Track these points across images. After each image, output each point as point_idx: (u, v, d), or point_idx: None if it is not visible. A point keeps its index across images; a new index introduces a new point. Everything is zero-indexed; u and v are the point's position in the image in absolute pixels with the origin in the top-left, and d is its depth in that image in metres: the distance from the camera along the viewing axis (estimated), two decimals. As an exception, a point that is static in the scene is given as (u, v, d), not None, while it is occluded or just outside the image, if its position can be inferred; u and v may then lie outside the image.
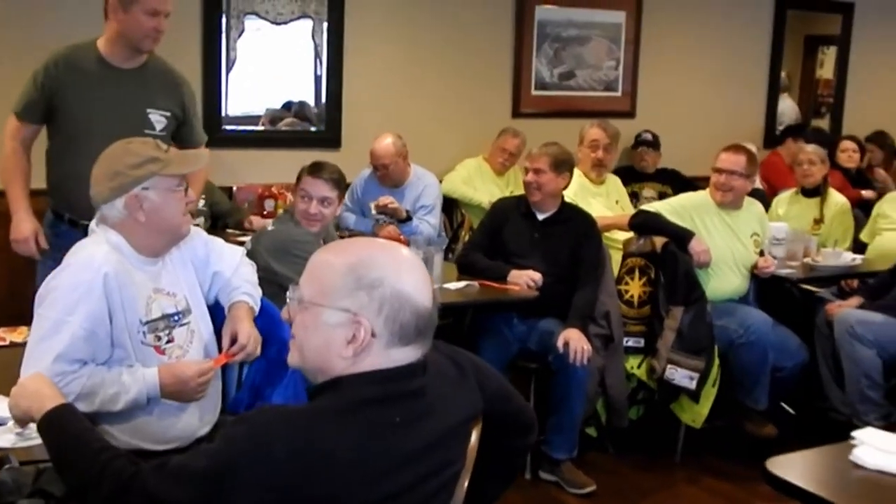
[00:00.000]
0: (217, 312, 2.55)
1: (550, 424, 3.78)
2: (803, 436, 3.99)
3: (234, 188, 5.13)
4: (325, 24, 5.34)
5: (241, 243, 3.23)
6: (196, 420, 2.39)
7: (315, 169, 3.46)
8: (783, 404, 4.44)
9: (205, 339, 2.45)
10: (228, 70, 5.15)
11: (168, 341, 2.34)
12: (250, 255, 2.91)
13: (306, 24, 5.36)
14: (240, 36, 5.17)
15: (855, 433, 2.21)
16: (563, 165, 3.97)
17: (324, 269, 1.56)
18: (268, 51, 5.35)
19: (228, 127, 5.20)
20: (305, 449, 1.42)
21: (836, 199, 5.17)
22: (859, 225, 5.23)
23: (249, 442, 1.43)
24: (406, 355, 1.53)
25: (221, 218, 4.87)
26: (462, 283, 3.81)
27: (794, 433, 4.20)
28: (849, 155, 6.31)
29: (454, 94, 5.75)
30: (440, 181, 5.12)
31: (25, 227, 3.30)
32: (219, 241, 2.68)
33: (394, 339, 1.51)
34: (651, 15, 6.27)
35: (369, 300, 1.49)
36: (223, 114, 5.16)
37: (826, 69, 7.70)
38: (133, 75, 3.32)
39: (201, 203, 4.54)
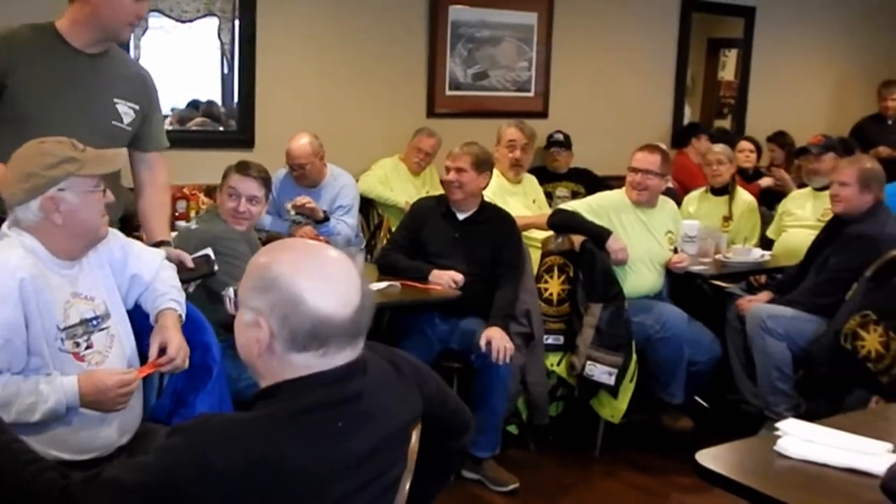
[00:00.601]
0: (136, 316, 2.48)
1: (473, 423, 3.78)
2: (716, 428, 4.10)
3: (144, 189, 4.98)
4: (234, 23, 5.25)
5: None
6: (116, 430, 2.32)
7: (243, 167, 3.43)
8: (697, 398, 4.55)
9: (124, 343, 2.38)
10: (132, 68, 5.00)
11: (87, 347, 2.26)
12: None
13: (212, 22, 5.26)
14: (143, 34, 5.04)
15: (779, 424, 2.27)
16: (484, 165, 3.99)
17: (247, 269, 1.53)
18: (172, 49, 5.22)
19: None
20: (249, 459, 1.37)
21: (744, 198, 5.32)
22: (765, 222, 5.39)
23: (189, 453, 1.38)
24: (320, 363, 1.48)
25: (130, 220, 4.71)
26: (384, 284, 3.79)
27: (708, 425, 4.30)
28: (746, 155, 6.50)
29: (369, 94, 5.72)
30: (357, 181, 5.09)
31: None
32: (137, 243, 2.61)
33: (288, 344, 1.46)
34: (562, 16, 6.34)
35: (267, 301, 1.46)
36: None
37: (728, 71, 7.93)
38: (98, 61, 2.85)
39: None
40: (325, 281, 1.47)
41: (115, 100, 2.87)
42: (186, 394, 2.58)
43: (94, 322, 2.28)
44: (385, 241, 4.78)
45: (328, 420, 1.46)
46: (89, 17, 2.76)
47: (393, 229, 4.71)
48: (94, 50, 2.84)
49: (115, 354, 2.33)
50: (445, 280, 3.84)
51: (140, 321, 2.47)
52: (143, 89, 2.98)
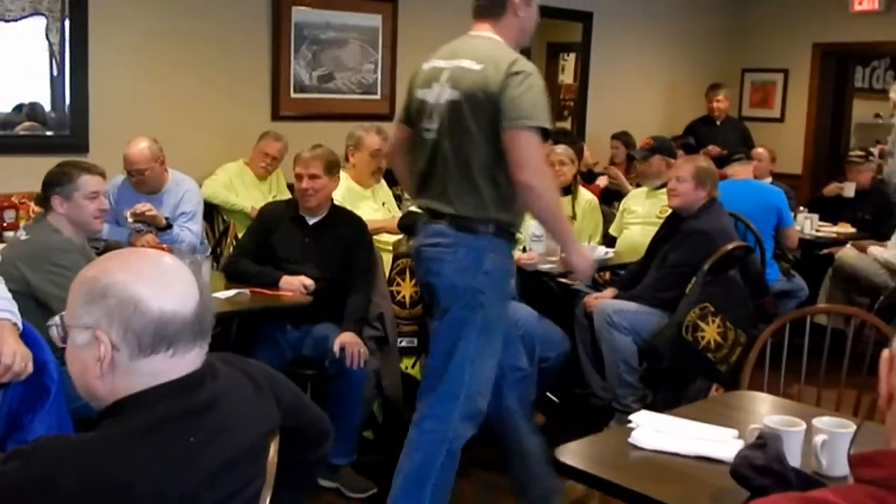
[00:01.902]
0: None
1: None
2: (567, 422, 4.20)
3: (-32, 199, 4.67)
4: (63, 22, 4.98)
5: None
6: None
7: (93, 168, 3.32)
8: (548, 393, 4.64)
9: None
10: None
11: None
12: (1, 266, 2.65)
13: (39, 22, 4.98)
14: (-37, 34, 4.73)
15: (632, 417, 2.33)
16: (335, 168, 3.95)
17: (71, 288, 1.44)
18: (-6, 50, 4.93)
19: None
20: (96, 483, 1.29)
21: (586, 197, 5.47)
22: (607, 220, 5.56)
23: (29, 479, 1.28)
24: (170, 365, 1.41)
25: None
26: (232, 292, 3.68)
27: (559, 420, 4.39)
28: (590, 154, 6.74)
29: (211, 97, 5.56)
30: (200, 186, 4.93)
31: None
32: (-39, 255, 2.43)
33: (134, 350, 1.39)
34: (406, 19, 6.36)
35: (103, 312, 1.39)
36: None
37: (568, 74, 8.17)
38: None
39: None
40: (160, 280, 1.42)
41: None
42: (22, 416, 2.41)
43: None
44: (232, 248, 4.65)
45: (179, 435, 1.39)
46: None
47: (240, 235, 4.58)
48: None
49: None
50: (296, 286, 3.77)
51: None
52: None
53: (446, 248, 2.96)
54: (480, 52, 2.93)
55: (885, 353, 1.19)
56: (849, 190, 6.48)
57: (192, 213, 4.66)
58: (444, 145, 2.95)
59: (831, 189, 6.68)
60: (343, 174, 4.49)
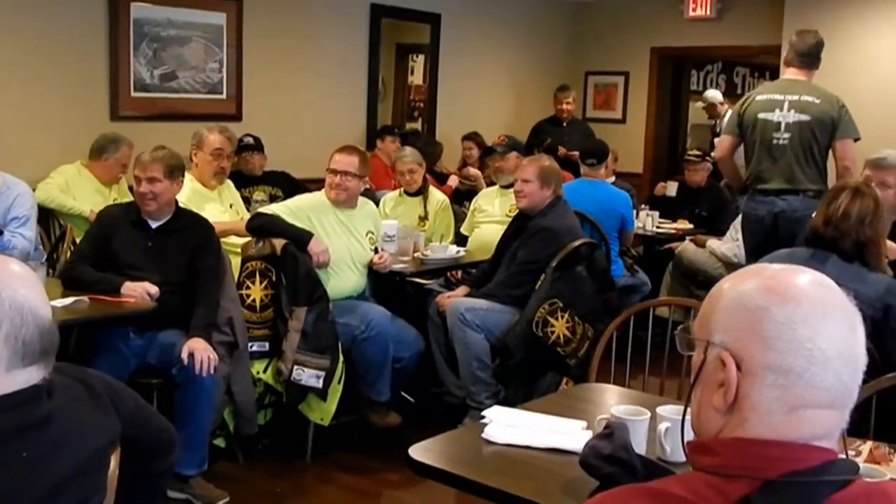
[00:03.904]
0: None
1: (178, 440, 3.59)
2: (424, 421, 4.21)
3: None
4: None
5: None
6: None
7: None
8: (404, 393, 4.64)
9: None
10: None
11: None
12: None
13: None
14: None
15: (485, 412, 2.34)
16: (177, 171, 3.81)
17: None
18: None
19: None
20: None
21: (438, 197, 5.51)
22: (458, 219, 5.62)
23: None
24: (26, 378, 1.35)
25: None
26: (70, 300, 3.49)
27: (415, 419, 4.39)
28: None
29: (45, 96, 5.30)
30: (34, 190, 4.66)
31: None
32: None
33: (16, 359, 1.33)
34: (251, 19, 6.23)
35: None
36: None
37: (417, 76, 8.20)
38: None
39: None
40: (38, 290, 1.39)
41: None
42: None
43: None
44: (69, 254, 4.43)
45: (11, 451, 1.31)
46: None
47: (78, 240, 4.37)
48: None
49: None
50: (139, 292, 3.62)
51: None
52: None
53: None
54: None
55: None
56: (671, 189, 6.84)
57: (25, 217, 4.39)
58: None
59: (658, 189, 7.01)
60: (188, 175, 4.36)
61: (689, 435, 1.24)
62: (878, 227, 2.94)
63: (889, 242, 3.50)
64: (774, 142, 4.69)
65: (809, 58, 4.76)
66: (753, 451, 1.13)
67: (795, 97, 4.68)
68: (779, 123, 4.68)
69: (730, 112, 6.04)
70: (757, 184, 4.76)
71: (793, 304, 1.14)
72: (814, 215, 3.07)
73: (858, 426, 2.53)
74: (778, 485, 1.10)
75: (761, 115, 4.72)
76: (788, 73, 4.84)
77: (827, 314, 1.14)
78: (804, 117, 4.65)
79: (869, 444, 2.15)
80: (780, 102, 4.70)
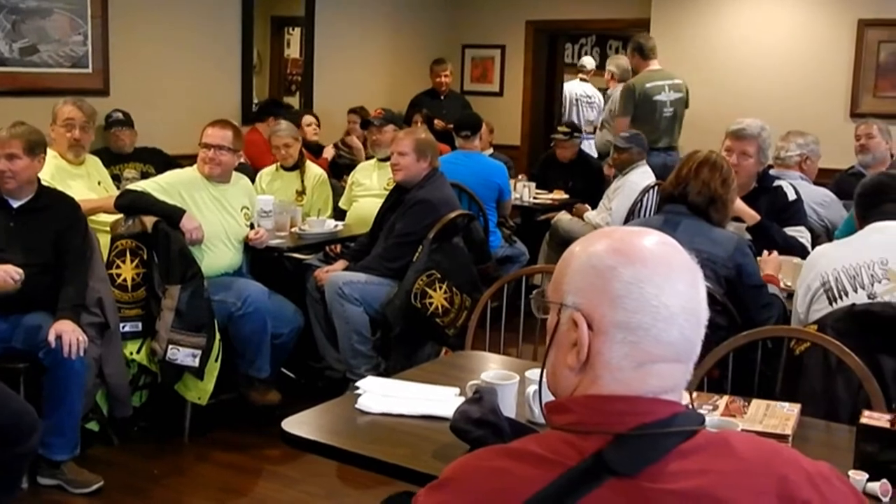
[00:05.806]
0: None
1: (48, 426, 3.45)
2: (305, 397, 4.19)
3: None
4: None
5: None
6: None
7: None
8: (284, 370, 4.61)
9: None
10: None
11: None
12: None
13: None
14: None
15: (358, 383, 2.36)
16: (38, 147, 3.66)
17: None
18: None
19: None
20: None
21: (315, 171, 5.47)
22: (336, 193, 5.59)
23: None
24: None
25: None
26: (-75, 284, 3.34)
27: (296, 395, 4.37)
28: (314, 129, 6.73)
29: None
30: None
31: None
32: None
33: None
34: (117, -11, 6.01)
35: None
36: None
37: (293, 49, 8.07)
38: None
39: None
40: None
41: None
42: None
43: None
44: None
45: None
46: None
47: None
48: None
49: None
50: (2, 275, 3.47)
51: None
52: None
53: None
54: None
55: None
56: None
57: None
58: None
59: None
60: (51, 152, 4.21)
61: (549, 396, 1.28)
62: (728, 185, 3.12)
63: (745, 207, 3.68)
64: (665, 115, 6.48)
65: (655, 52, 6.59)
66: (605, 408, 1.18)
67: (671, 81, 6.54)
68: (665, 101, 6.49)
69: (616, 94, 7.09)
70: (653, 145, 6.31)
71: (639, 263, 1.18)
72: (666, 181, 3.25)
73: (720, 382, 2.67)
74: (628, 438, 1.14)
75: (655, 97, 6.47)
76: (654, 65, 6.58)
77: (671, 272, 1.19)
78: (678, 95, 6.55)
79: (725, 398, 2.25)
80: (662, 87, 6.50)
